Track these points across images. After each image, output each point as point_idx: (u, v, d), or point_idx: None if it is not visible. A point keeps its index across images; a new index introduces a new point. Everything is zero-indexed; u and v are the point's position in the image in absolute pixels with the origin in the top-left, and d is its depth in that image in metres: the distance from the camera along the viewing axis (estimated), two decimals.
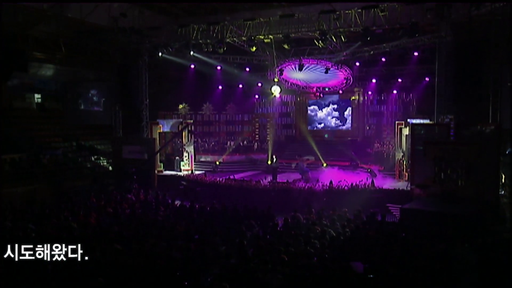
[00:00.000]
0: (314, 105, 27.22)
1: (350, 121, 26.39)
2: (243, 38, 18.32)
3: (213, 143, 25.99)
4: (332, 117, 26.82)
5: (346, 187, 16.11)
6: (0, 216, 12.01)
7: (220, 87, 27.06)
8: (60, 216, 12.20)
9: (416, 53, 19.66)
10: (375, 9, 15.72)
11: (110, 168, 21.74)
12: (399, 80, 23.78)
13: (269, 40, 18.27)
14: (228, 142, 25.90)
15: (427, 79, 22.26)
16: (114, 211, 13.13)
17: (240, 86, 27.09)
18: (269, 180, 18.43)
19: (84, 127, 24.02)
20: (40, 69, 23.83)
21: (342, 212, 12.21)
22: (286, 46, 17.68)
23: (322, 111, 27.01)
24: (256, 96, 27.89)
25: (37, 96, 25.12)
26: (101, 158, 22.19)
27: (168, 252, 9.09)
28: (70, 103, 23.37)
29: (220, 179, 18.36)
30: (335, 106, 26.70)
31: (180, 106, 26.42)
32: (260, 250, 9.17)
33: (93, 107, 24.06)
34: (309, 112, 27.38)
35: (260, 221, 12.14)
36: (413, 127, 15.87)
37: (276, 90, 21.30)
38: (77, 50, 22.50)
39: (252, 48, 18.25)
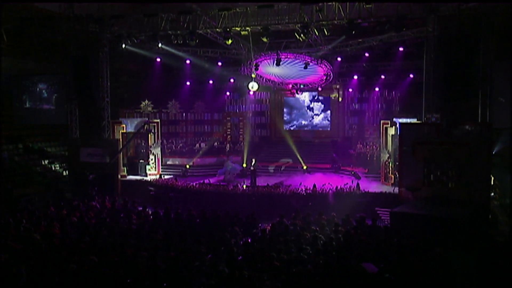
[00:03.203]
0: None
1: (330, 120, 27.24)
2: (218, 29, 18.60)
3: (180, 145, 26.14)
4: (318, 115, 27.61)
5: (330, 191, 16.76)
6: None
7: (188, 83, 27.16)
8: (19, 226, 12.14)
9: (401, 48, 20.56)
10: (360, 2, 16.45)
11: (65, 173, 21.49)
12: (382, 76, 24.63)
13: (246, 33, 18.64)
14: (197, 144, 26.15)
15: (411, 75, 23.30)
16: (79, 221, 13.20)
17: (211, 82, 27.32)
18: (247, 184, 18.86)
19: (32, 127, 23.55)
20: None
21: (330, 217, 12.80)
22: (264, 39, 18.05)
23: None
24: (228, 93, 28.28)
25: None
26: (54, 162, 21.89)
27: (151, 262, 9.33)
28: (15, 99, 22.84)
29: (194, 184, 18.62)
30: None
31: (142, 104, 26.36)
32: (251, 257, 9.62)
33: (42, 105, 23.55)
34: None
35: (243, 228, 12.59)
36: (403, 126, 16.66)
37: (254, 87, 21.79)
38: (22, 39, 22.01)
39: (228, 40, 18.51)
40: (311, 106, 27.87)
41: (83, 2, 18.73)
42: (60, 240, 11.23)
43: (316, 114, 27.62)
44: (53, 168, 21.76)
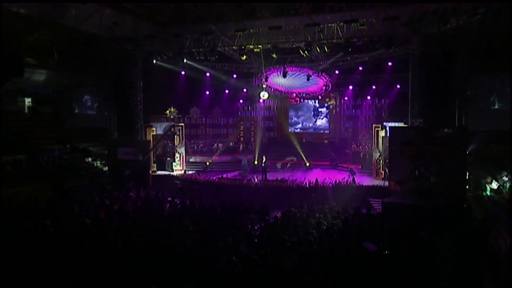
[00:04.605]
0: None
1: (328, 124, 27.42)
2: (234, 47, 18.84)
3: (201, 145, 26.47)
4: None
5: (330, 185, 16.94)
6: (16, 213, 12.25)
7: (207, 92, 27.44)
8: (72, 213, 12.54)
9: (390, 63, 20.80)
10: (355, 23, 16.68)
11: (105, 169, 21.84)
12: (373, 87, 24.83)
13: (258, 50, 18.85)
14: (215, 144, 26.46)
15: (398, 86, 23.44)
16: (120, 208, 13.55)
17: (227, 91, 27.60)
18: (259, 178, 19.09)
19: (77, 129, 24.00)
20: (33, 74, 23.77)
21: (331, 206, 13.04)
22: (274, 55, 18.31)
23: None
24: (241, 101, 28.48)
25: (27, 100, 25.02)
26: (96, 159, 22.26)
27: (183, 243, 9.63)
28: (65, 107, 23.37)
29: (214, 178, 18.88)
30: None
31: (169, 110, 26.70)
32: (266, 239, 9.91)
33: (87, 111, 24.13)
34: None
35: (258, 215, 12.86)
36: (393, 130, 16.84)
37: (264, 95, 22.14)
38: (70, 56, 22.45)
39: (243, 56, 18.78)
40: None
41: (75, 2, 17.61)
42: (106, 224, 11.63)
43: (321, 118, 27.63)
44: (95, 164, 22.06)
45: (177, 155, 22.32)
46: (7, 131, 20.87)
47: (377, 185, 17.35)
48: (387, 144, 17.53)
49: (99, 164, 22.13)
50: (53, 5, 17.15)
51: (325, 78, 22.41)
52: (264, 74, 21.99)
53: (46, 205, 13.92)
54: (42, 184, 17.21)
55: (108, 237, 10.05)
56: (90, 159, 21.99)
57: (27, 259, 8.32)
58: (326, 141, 26.68)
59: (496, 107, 19.10)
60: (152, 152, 21.45)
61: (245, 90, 26.97)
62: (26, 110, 24.62)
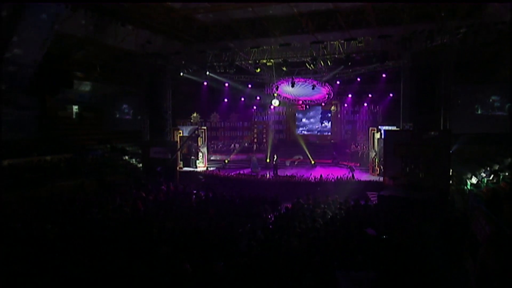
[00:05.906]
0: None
1: (330, 127, 27.50)
2: (250, 61, 19.14)
3: (220, 145, 26.77)
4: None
5: (333, 180, 17.07)
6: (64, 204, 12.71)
7: (226, 100, 27.69)
8: (114, 203, 12.94)
9: (384, 75, 20.83)
10: (354, 41, 16.85)
11: (139, 165, 22.30)
12: (370, 95, 24.80)
13: (270, 63, 19.11)
14: (232, 144, 26.73)
15: (391, 95, 23.44)
16: (154, 199, 13.92)
17: (242, 99, 27.77)
18: (271, 174, 19.31)
19: (115, 132, 24.53)
20: (80, 86, 24.38)
21: (334, 198, 13.21)
22: (284, 68, 18.54)
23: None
24: (254, 107, 28.67)
25: (75, 107, 25.69)
26: (132, 157, 22.72)
27: (209, 229, 9.94)
28: (107, 113, 23.90)
29: (233, 174, 19.09)
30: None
31: (193, 115, 27.03)
32: (279, 226, 10.17)
33: (125, 116, 24.67)
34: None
35: (271, 206, 13.11)
36: (387, 132, 16.94)
37: (275, 102, 22.36)
38: (110, 70, 22.97)
39: (257, 69, 19.04)
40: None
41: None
42: (144, 212, 12.00)
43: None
44: (131, 162, 22.47)
45: (200, 154, 22.58)
46: (58, 133, 21.56)
47: (373, 180, 17.38)
48: (382, 145, 17.64)
49: (134, 162, 22.58)
50: (96, 27, 17.64)
51: (328, 88, 22.52)
52: (275, 84, 22.19)
53: (92, 196, 14.37)
54: (87, 179, 17.76)
55: (146, 223, 10.42)
56: (127, 157, 22.41)
57: (80, 241, 8.72)
58: (317, 142, 26.69)
59: (479, 112, 19.12)
60: (179, 151, 21.81)
61: (258, 98, 27.16)
62: (74, 116, 25.30)
